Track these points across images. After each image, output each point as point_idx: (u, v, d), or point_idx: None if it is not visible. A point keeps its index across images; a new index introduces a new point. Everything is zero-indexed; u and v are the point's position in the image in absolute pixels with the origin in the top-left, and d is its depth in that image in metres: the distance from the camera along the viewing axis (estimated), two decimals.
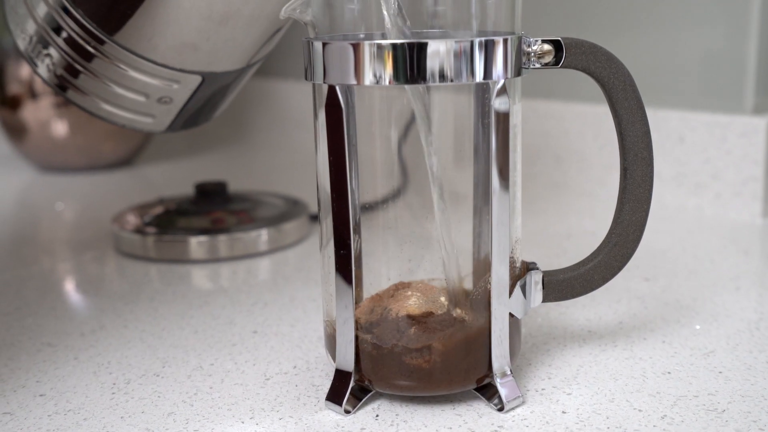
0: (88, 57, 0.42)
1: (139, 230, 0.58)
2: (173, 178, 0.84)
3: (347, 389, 0.34)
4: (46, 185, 0.83)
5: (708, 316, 0.43)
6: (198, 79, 0.42)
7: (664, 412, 0.34)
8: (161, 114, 0.45)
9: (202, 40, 0.41)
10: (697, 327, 0.42)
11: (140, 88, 0.43)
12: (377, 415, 0.34)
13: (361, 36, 0.34)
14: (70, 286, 0.53)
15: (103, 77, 0.43)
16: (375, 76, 0.32)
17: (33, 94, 0.83)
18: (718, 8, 0.61)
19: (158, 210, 0.63)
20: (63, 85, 0.45)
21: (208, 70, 0.42)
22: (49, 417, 0.35)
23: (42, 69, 0.46)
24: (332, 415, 0.34)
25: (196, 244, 0.57)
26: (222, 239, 0.57)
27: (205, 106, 0.47)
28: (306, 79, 0.34)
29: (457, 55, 0.31)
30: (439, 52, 0.31)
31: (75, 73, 0.44)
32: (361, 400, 0.35)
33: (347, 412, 0.34)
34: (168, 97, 0.43)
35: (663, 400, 0.35)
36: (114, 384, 0.38)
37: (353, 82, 0.32)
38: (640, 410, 0.34)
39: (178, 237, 0.57)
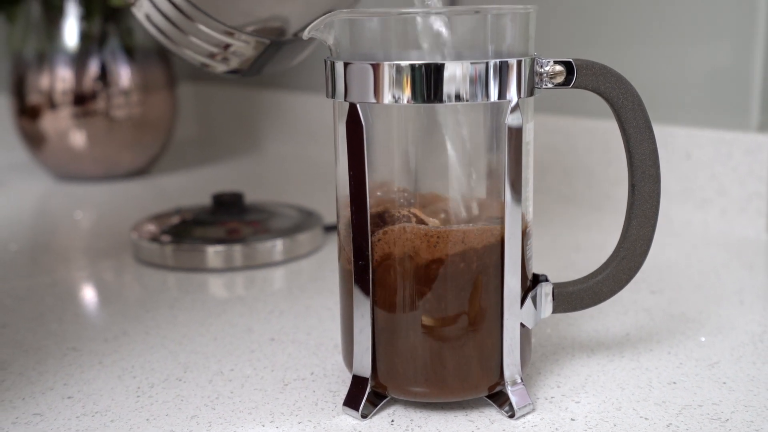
0: (174, 14, 0.49)
1: (158, 239, 0.60)
2: (188, 189, 0.86)
3: (364, 395, 0.36)
4: (63, 194, 0.85)
5: (713, 329, 0.45)
6: (266, 42, 0.49)
7: (670, 420, 0.35)
8: (234, 63, 0.52)
9: (269, 16, 0.48)
10: (702, 339, 0.43)
11: (216, 42, 0.50)
12: (392, 420, 0.35)
13: (381, 56, 0.36)
14: (91, 293, 0.55)
15: (186, 31, 0.50)
16: (394, 96, 0.33)
17: (52, 105, 0.85)
18: (724, 26, 0.62)
19: (176, 220, 0.65)
20: (153, 28, 0.52)
21: (275, 37, 0.48)
22: (78, 418, 0.36)
23: (138, 13, 0.52)
24: (349, 419, 0.36)
25: (213, 253, 0.58)
26: (238, 249, 0.58)
27: (275, 62, 0.53)
28: (327, 96, 0.36)
29: (473, 77, 0.33)
30: (455, 73, 0.33)
31: (162, 22, 0.51)
32: (377, 405, 0.36)
33: (364, 417, 0.36)
34: (240, 52, 0.50)
35: (668, 408, 0.36)
36: (138, 388, 0.39)
37: (373, 100, 0.34)
38: (646, 418, 0.35)
39: (196, 246, 0.58)
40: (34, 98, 0.86)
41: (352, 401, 0.36)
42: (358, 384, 0.36)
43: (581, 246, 0.61)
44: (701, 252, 0.59)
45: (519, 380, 0.36)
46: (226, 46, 0.49)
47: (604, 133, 0.69)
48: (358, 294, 0.35)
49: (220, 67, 0.52)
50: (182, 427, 0.35)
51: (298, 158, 0.99)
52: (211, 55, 0.50)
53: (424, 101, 0.33)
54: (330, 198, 0.71)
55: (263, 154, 1.04)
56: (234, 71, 0.53)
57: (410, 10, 0.34)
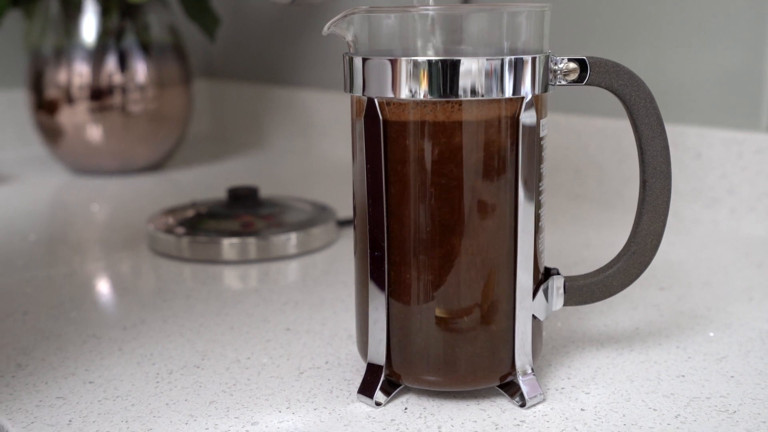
0: None
1: (174, 231, 0.61)
2: (202, 183, 0.87)
3: (378, 383, 0.37)
4: (80, 187, 0.86)
5: (721, 325, 0.45)
6: None
7: (678, 411, 0.36)
8: None
9: None
10: (711, 334, 0.44)
11: None
12: (406, 408, 0.36)
13: (398, 52, 0.36)
14: (109, 283, 0.56)
15: None
16: (410, 90, 0.34)
17: (70, 99, 0.87)
18: (736, 27, 0.63)
19: (191, 212, 0.66)
20: None
21: None
22: (99, 402, 0.37)
23: None
24: (364, 407, 0.37)
25: (228, 245, 0.59)
26: (252, 242, 0.59)
27: None
28: (345, 91, 0.37)
29: (488, 73, 0.34)
30: (471, 69, 0.34)
31: None
32: (390, 394, 0.37)
33: (378, 404, 0.36)
34: None
35: (677, 400, 0.37)
36: (157, 374, 0.40)
37: (390, 95, 0.35)
38: (655, 409, 0.36)
39: (211, 238, 0.59)
40: (51, 93, 0.87)
41: (366, 389, 0.37)
42: (372, 372, 0.37)
43: (592, 243, 0.62)
44: (711, 250, 0.59)
45: (530, 371, 0.37)
46: None
47: (616, 132, 0.70)
48: (373, 286, 0.36)
49: None
50: (201, 412, 0.36)
51: (310, 154, 1.00)
52: None
53: (440, 96, 0.34)
54: (342, 193, 0.72)
55: (276, 150, 1.05)
56: None
57: (428, 7, 0.35)
